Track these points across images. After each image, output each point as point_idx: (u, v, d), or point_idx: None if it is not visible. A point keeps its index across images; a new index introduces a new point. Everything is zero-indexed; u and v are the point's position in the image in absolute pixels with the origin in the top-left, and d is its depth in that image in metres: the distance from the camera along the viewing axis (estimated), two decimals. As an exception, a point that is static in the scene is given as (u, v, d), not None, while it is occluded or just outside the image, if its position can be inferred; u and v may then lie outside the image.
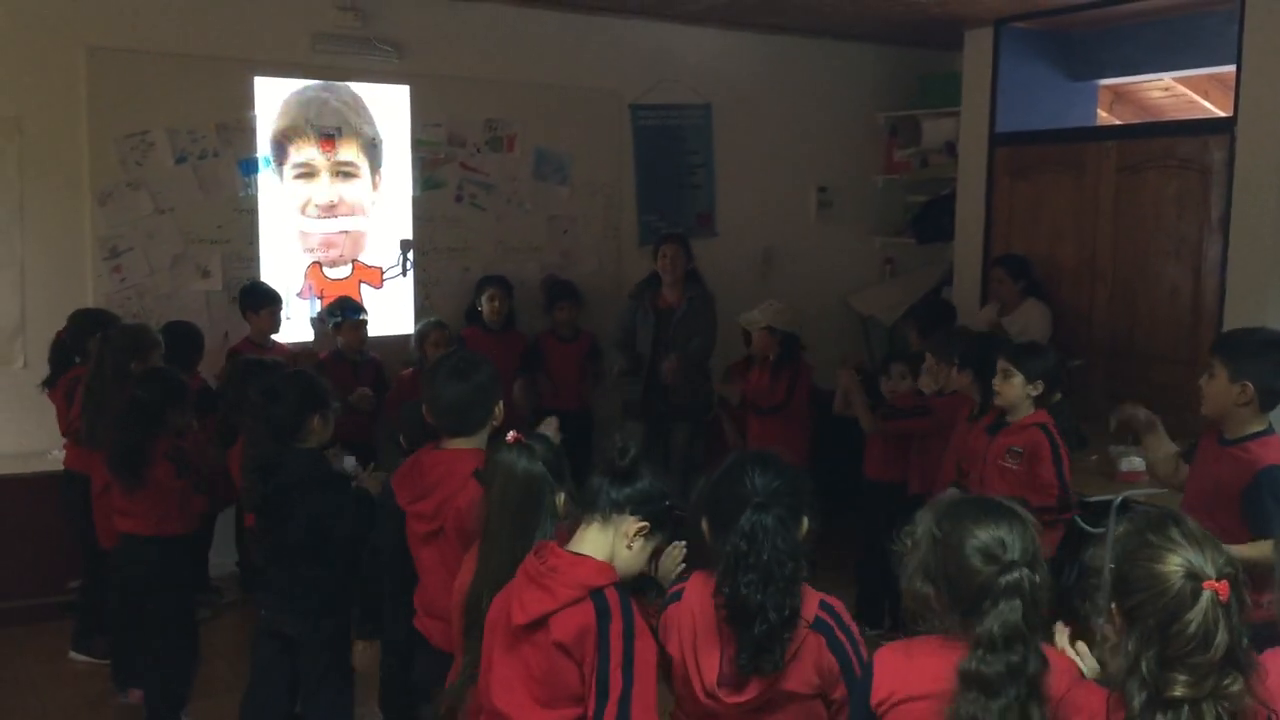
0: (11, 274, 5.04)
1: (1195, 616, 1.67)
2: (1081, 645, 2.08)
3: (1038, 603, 1.86)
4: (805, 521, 2.19)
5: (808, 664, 2.12)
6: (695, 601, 2.22)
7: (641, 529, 2.23)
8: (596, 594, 2.15)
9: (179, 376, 3.96)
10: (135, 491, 3.75)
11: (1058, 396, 3.83)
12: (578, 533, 2.26)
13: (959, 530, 1.92)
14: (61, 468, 4.56)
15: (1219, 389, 3.07)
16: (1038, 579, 1.87)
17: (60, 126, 5.06)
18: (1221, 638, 1.67)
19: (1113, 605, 1.78)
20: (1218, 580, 1.69)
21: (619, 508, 2.23)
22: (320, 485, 3.26)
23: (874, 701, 1.96)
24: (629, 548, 2.23)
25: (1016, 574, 1.85)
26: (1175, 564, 1.71)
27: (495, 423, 2.94)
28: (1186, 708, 1.68)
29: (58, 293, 5.03)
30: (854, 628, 2.20)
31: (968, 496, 2.10)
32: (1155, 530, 1.77)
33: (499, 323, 5.69)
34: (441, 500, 2.85)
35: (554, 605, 2.15)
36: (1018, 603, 1.83)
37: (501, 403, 2.99)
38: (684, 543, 2.45)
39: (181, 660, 3.91)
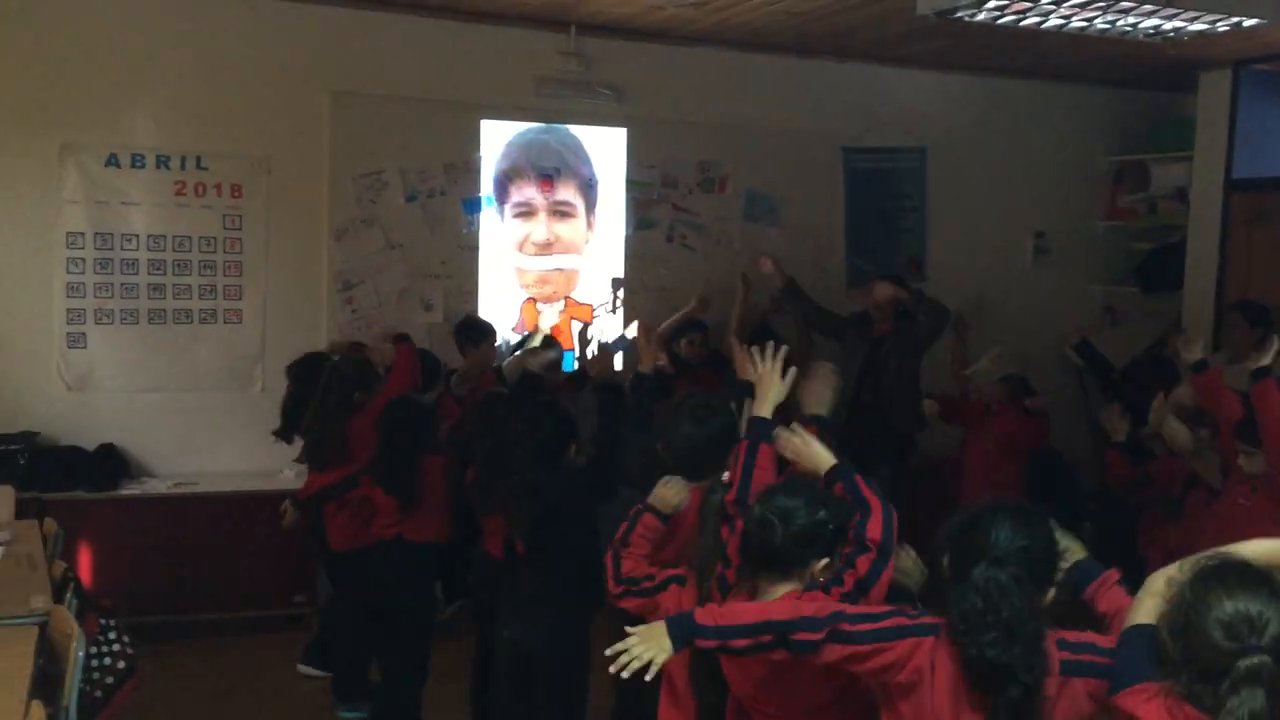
0: (256, 303, 5.38)
1: None
2: None
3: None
4: (1051, 593, 2.08)
5: (1076, 709, 2.01)
6: (942, 667, 2.06)
7: (826, 565, 2.36)
8: None
9: (421, 402, 4.23)
10: (412, 508, 3.99)
11: None
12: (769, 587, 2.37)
13: (1208, 597, 1.82)
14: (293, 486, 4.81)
15: None
16: None
17: (304, 167, 5.39)
18: None
19: None
20: None
21: (803, 562, 2.37)
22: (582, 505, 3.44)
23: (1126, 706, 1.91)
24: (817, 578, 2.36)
25: (1257, 660, 1.74)
26: None
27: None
28: None
29: (296, 322, 5.36)
30: (1088, 635, 2.07)
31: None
32: None
33: (698, 359, 5.68)
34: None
35: None
36: (1260, 691, 1.73)
37: None
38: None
39: (418, 675, 4.09)
